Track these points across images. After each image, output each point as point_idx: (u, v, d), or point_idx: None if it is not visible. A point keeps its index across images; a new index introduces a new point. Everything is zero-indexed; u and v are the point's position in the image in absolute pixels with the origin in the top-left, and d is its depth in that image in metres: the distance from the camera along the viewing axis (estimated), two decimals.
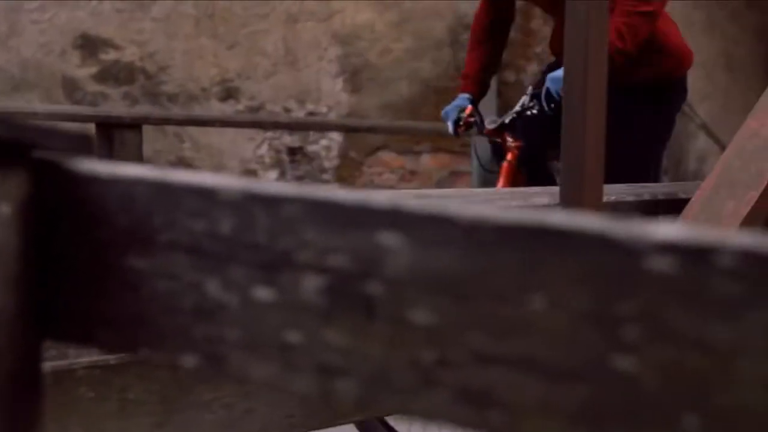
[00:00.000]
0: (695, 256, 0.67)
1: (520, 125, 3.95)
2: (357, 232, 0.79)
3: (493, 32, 4.30)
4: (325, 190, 0.82)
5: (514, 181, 3.95)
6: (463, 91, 4.31)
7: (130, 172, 0.91)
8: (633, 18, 3.55)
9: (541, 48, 6.24)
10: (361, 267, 0.79)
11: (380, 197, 0.78)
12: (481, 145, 4.63)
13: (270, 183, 0.84)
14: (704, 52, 7.03)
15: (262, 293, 0.84)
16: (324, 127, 6.29)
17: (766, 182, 2.16)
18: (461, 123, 4.22)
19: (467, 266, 0.74)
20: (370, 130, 6.06)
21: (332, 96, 6.67)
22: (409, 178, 6.64)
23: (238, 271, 0.85)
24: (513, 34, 6.17)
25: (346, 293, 0.80)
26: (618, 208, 2.31)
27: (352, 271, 0.79)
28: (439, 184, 6.58)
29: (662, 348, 0.68)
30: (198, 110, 6.75)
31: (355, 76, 6.63)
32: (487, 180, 6.27)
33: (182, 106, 6.78)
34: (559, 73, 3.48)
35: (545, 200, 2.15)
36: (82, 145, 0.96)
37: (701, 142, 7.06)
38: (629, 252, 0.69)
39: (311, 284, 0.81)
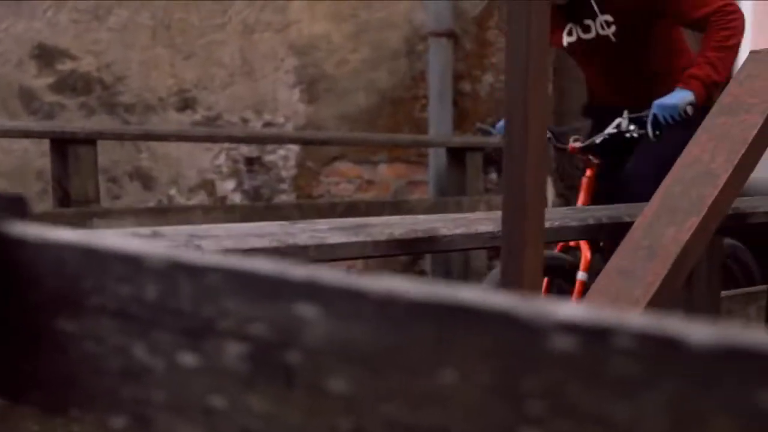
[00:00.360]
0: (595, 337, 0.69)
1: (606, 144, 4.16)
2: (276, 302, 0.81)
3: None
4: (246, 261, 0.84)
5: (592, 196, 4.20)
6: None
7: (61, 237, 0.92)
8: (724, 52, 3.75)
9: (497, 58, 6.28)
10: (281, 336, 0.81)
11: (297, 270, 0.80)
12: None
13: (194, 252, 0.86)
14: None
15: (187, 358, 0.86)
16: (279, 140, 6.30)
17: (706, 208, 2.19)
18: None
19: (380, 339, 0.77)
20: (325, 142, 6.07)
21: (289, 106, 6.68)
22: (366, 187, 6.65)
23: (163, 336, 0.87)
24: (469, 45, 6.23)
25: (266, 361, 0.82)
26: (561, 233, 2.34)
27: (272, 340, 0.82)
28: (396, 194, 6.60)
29: (565, 423, 0.70)
30: (155, 120, 6.75)
31: (312, 87, 6.64)
32: (444, 190, 6.30)
33: (139, 117, 6.78)
34: (667, 100, 3.74)
35: (490, 228, 2.18)
36: (15, 208, 0.97)
37: None
38: (533, 330, 0.71)
39: (233, 351, 0.83)
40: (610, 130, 4.10)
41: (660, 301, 2.10)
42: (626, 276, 2.11)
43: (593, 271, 4.26)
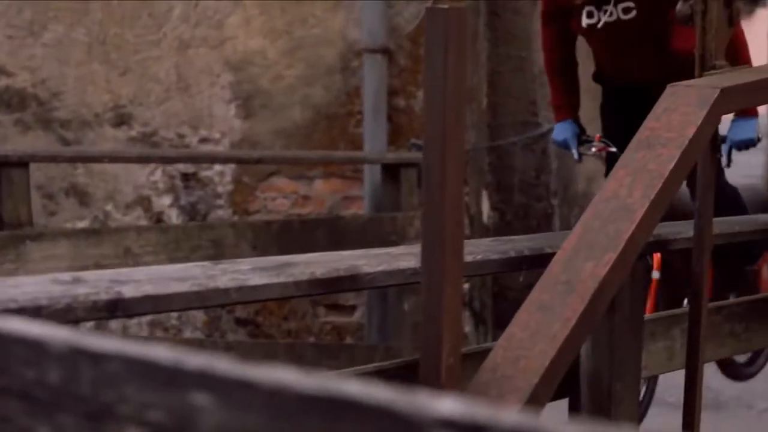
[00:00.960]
0: None
1: None
2: (172, 390, 0.84)
3: (567, 61, 4.88)
4: (145, 348, 0.87)
5: None
6: (564, 119, 4.86)
7: None
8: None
9: None
10: (177, 423, 0.84)
11: (193, 359, 0.83)
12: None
13: (95, 338, 0.89)
14: (589, 78, 7.17)
15: None
16: (213, 160, 6.32)
17: (623, 243, 2.24)
18: (593, 149, 4.88)
19: (271, 430, 0.80)
20: (259, 161, 6.09)
21: (225, 122, 6.70)
22: (302, 203, 6.68)
23: (66, 419, 0.90)
24: (403, 61, 6.27)
25: None
26: (483, 267, 2.39)
27: (169, 427, 0.84)
28: (332, 209, 6.62)
29: None
30: (91, 136, 6.74)
31: (247, 102, 6.65)
32: (379, 206, 6.34)
33: (75, 133, 6.76)
34: (741, 135, 3.83)
35: (411, 263, 2.21)
36: None
37: (589, 163, 7.18)
38: (412, 425, 0.74)
39: None
40: None
41: (578, 337, 2.14)
42: (545, 311, 2.15)
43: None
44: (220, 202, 6.74)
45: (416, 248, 2.34)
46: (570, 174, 7.02)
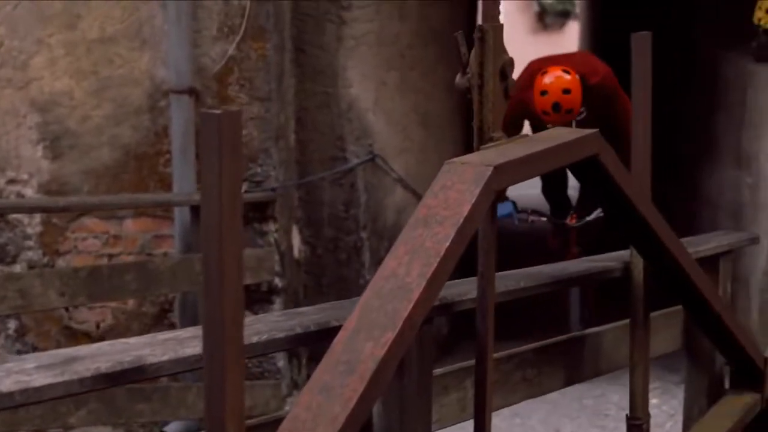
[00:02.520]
0: None
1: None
2: None
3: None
4: None
5: None
6: (504, 201, 6.52)
7: None
8: None
9: None
10: None
11: None
12: None
13: None
14: (399, 110, 7.34)
15: None
16: (17, 210, 6.27)
17: (401, 323, 2.34)
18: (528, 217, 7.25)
19: None
20: (65, 209, 6.07)
21: (33, 163, 6.65)
22: (113, 242, 6.67)
23: None
24: (210, 101, 6.31)
25: None
26: (269, 346, 2.47)
27: None
28: (144, 248, 6.63)
29: None
30: None
31: (55, 143, 6.62)
32: (190, 245, 6.37)
33: None
34: None
35: (197, 349, 2.28)
36: None
37: (398, 195, 7.35)
38: None
39: None
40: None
41: (359, 417, 2.24)
42: (327, 392, 2.23)
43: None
44: (30, 243, 6.69)
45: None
46: (379, 207, 7.16)
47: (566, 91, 6.66)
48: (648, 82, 3.67)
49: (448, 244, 2.46)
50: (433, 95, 7.63)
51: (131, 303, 6.62)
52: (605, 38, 15.10)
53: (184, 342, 2.36)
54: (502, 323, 3.14)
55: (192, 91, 6.36)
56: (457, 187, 2.57)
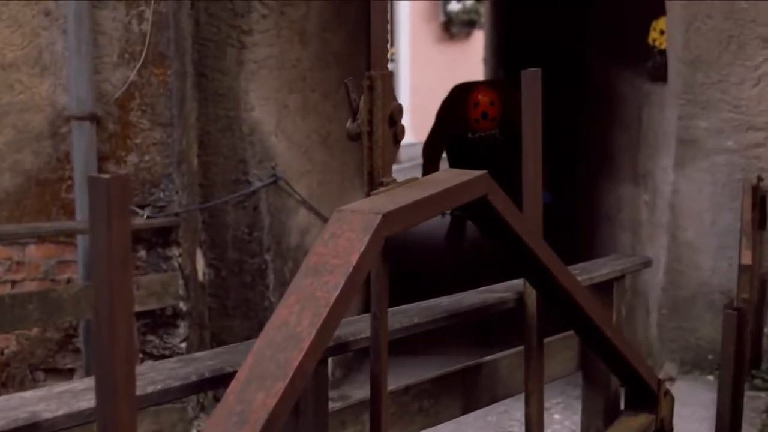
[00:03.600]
0: None
1: None
2: None
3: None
4: None
5: None
6: None
7: None
8: None
9: (140, 139, 6.41)
10: None
11: None
12: None
13: None
14: (301, 132, 7.40)
15: None
16: None
17: (292, 373, 2.40)
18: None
19: None
20: None
21: None
22: (16, 269, 6.64)
23: None
24: (112, 126, 6.32)
25: None
26: (164, 396, 2.50)
27: None
28: (47, 274, 6.61)
29: None
30: None
31: None
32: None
33: None
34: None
35: (91, 402, 2.31)
36: None
37: (302, 216, 7.40)
38: None
39: None
40: None
41: None
42: None
43: None
44: None
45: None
46: (282, 229, 7.21)
47: (492, 103, 8.82)
48: (538, 118, 3.76)
49: (337, 293, 2.52)
50: (334, 117, 7.69)
51: (35, 329, 6.60)
52: (508, 47, 15.29)
53: (79, 395, 2.39)
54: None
55: (93, 117, 6.36)
56: (346, 236, 2.63)
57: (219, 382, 2.62)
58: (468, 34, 29.12)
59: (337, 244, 2.63)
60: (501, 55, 16.35)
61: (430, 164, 9.18)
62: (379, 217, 2.66)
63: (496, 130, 8.84)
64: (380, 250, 2.75)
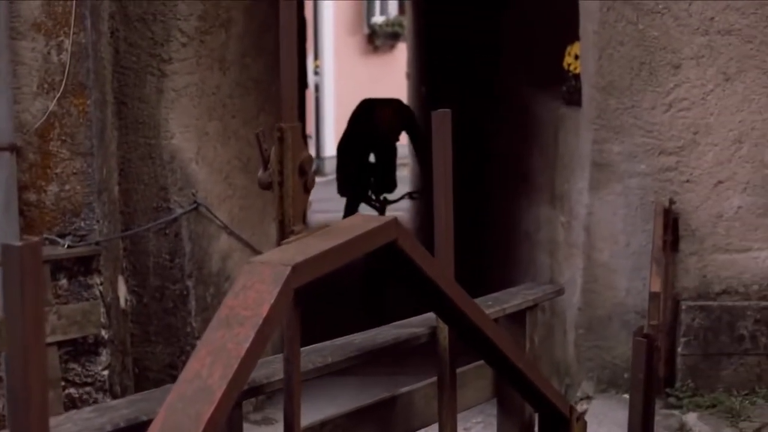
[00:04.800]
0: None
1: None
2: None
3: None
4: None
5: None
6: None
7: None
8: None
9: (60, 169, 6.43)
10: None
11: None
12: None
13: None
14: (221, 158, 7.46)
15: None
16: None
17: (203, 425, 2.47)
18: None
19: None
20: None
21: None
22: None
23: None
24: (32, 156, 6.34)
25: None
26: None
27: None
28: None
29: None
30: None
31: None
32: None
33: None
34: None
35: None
36: None
37: (223, 242, 7.46)
38: None
39: None
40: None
41: None
42: None
43: None
44: None
45: None
46: (204, 255, 7.26)
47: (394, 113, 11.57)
48: (448, 158, 3.86)
49: (248, 344, 2.59)
50: (254, 143, 7.76)
51: None
52: (430, 64, 15.42)
53: None
54: None
55: (13, 148, 6.38)
56: (257, 288, 2.71)
57: (134, 430, 2.69)
58: (392, 47, 29.29)
59: (248, 296, 2.70)
60: (423, 72, 16.48)
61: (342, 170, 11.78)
62: (289, 269, 2.74)
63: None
64: (290, 300, 2.83)
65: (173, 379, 7.17)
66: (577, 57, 7.57)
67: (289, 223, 3.06)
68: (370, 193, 11.71)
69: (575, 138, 7.53)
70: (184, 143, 7.08)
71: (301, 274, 2.80)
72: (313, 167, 3.12)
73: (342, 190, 11.73)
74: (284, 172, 3.06)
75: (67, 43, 6.35)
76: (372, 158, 11.83)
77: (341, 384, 7.85)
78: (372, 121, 11.41)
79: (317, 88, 27.19)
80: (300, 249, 2.93)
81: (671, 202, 6.99)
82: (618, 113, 7.01)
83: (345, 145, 11.71)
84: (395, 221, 3.24)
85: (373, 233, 3.16)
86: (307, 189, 3.11)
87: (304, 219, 3.12)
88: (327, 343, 3.79)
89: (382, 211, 11.51)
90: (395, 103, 11.90)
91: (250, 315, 2.66)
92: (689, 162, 7.05)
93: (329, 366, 3.57)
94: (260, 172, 3.09)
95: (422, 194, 12.56)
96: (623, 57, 6.95)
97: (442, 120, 3.88)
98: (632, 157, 7.06)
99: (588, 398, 7.29)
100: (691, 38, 6.93)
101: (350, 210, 11.53)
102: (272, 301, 2.68)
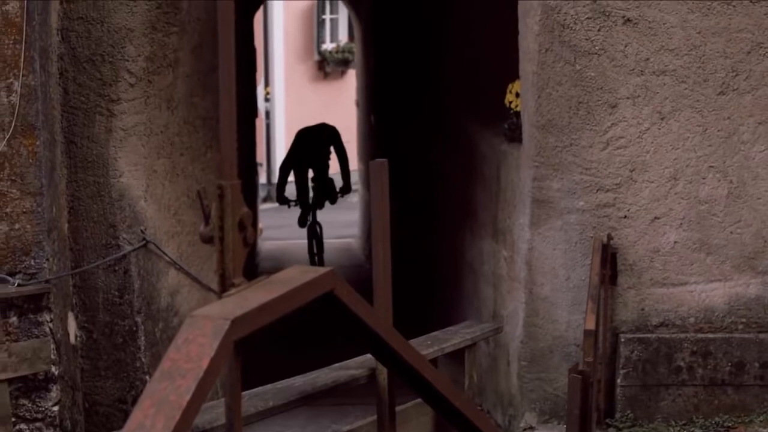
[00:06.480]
0: None
1: None
2: None
3: None
4: None
5: None
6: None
7: None
8: None
9: (11, 208, 6.53)
10: None
11: None
12: None
13: None
14: (170, 195, 7.58)
15: None
16: None
17: None
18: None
19: None
20: None
21: None
22: None
23: None
24: None
25: None
26: None
27: None
28: None
29: None
30: None
31: None
32: None
33: None
34: None
35: None
36: None
37: (172, 277, 7.57)
38: None
39: None
40: None
41: None
42: None
43: None
44: None
45: None
46: (153, 291, 7.36)
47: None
48: (385, 206, 4.01)
49: (189, 396, 2.72)
50: (202, 178, 7.89)
51: None
52: (379, 93, 15.58)
53: None
54: None
55: None
56: (198, 341, 2.84)
57: None
58: (342, 73, 29.49)
59: (189, 349, 2.83)
60: (372, 100, 16.65)
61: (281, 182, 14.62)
62: (228, 322, 2.87)
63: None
64: (230, 351, 2.97)
65: (123, 413, 7.30)
66: (518, 95, 7.76)
67: (230, 276, 3.19)
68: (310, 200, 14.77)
69: (516, 174, 7.71)
70: (132, 181, 7.19)
71: (241, 327, 2.94)
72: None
73: (280, 200, 14.67)
74: (224, 228, 3.19)
75: (17, 85, 6.46)
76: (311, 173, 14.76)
77: (292, 413, 7.96)
78: (308, 142, 14.41)
79: (268, 114, 27.34)
80: (239, 302, 3.06)
81: (609, 237, 7.18)
82: (557, 151, 7.20)
83: (286, 164, 14.69)
84: (332, 272, 3.37)
85: (311, 284, 3.30)
86: (246, 243, 3.24)
87: (244, 271, 3.25)
88: (268, 386, 3.92)
89: (319, 229, 14.90)
90: (324, 126, 14.80)
91: (192, 367, 2.79)
92: (626, 198, 7.25)
93: (271, 410, 3.70)
94: (202, 227, 3.23)
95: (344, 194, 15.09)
96: (562, 96, 7.14)
97: (379, 170, 4.02)
98: (571, 194, 7.25)
99: (531, 429, 7.45)
100: (627, 78, 7.14)
101: (302, 220, 14.93)
102: (212, 354, 2.81)
